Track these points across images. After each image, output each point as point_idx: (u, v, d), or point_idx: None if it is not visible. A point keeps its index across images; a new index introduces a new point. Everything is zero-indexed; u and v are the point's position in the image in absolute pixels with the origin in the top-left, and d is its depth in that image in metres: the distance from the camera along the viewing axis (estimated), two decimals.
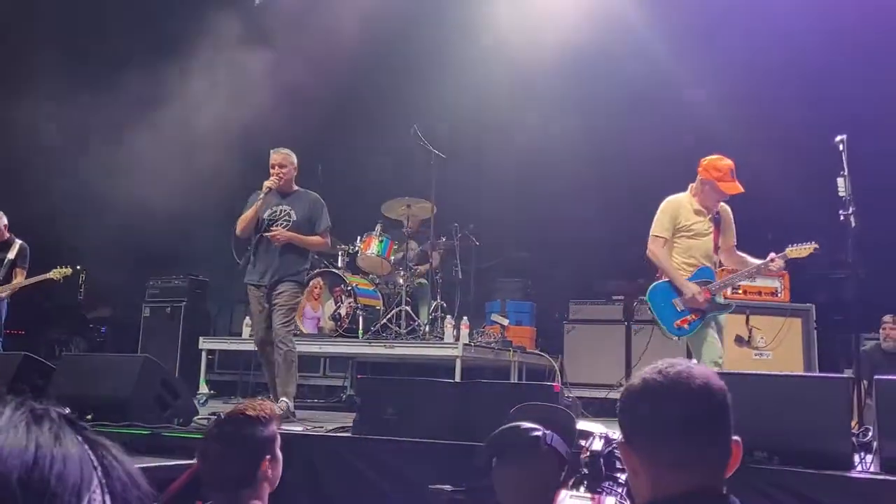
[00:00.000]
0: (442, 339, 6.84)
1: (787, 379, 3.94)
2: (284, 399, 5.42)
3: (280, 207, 5.63)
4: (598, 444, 2.52)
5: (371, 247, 7.37)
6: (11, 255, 7.06)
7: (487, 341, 7.24)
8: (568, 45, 7.85)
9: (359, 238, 7.50)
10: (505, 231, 8.94)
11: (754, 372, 4.31)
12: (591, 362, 7.61)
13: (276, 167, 5.57)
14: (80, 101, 8.24)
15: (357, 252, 7.47)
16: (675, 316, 4.84)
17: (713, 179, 4.87)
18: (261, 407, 2.61)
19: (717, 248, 5.04)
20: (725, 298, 5.10)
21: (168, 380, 4.76)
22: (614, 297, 7.90)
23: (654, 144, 7.85)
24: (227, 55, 8.32)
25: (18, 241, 7.18)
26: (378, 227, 7.47)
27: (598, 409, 6.73)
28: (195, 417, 4.79)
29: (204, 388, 7.06)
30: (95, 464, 0.70)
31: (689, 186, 5.09)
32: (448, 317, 7.05)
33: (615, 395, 7.08)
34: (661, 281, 4.95)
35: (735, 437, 1.43)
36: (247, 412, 2.54)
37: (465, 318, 6.95)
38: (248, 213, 5.58)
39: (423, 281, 7.62)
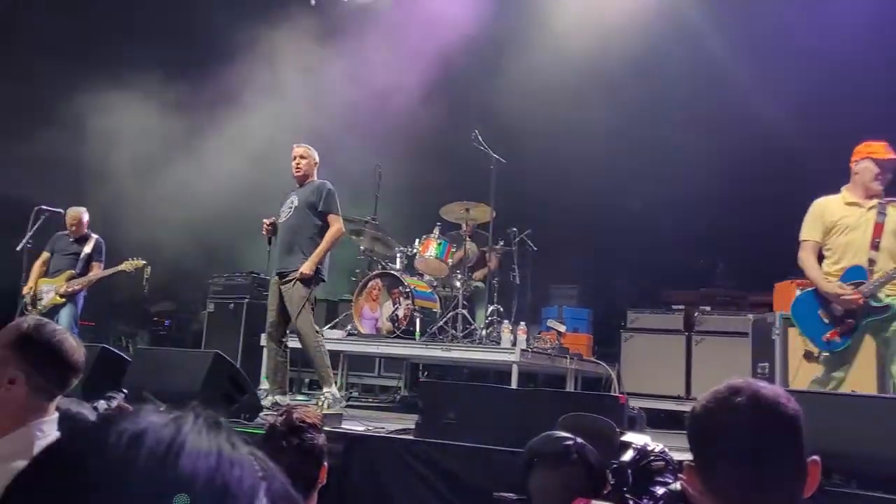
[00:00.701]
0: (498, 343, 6.85)
1: (868, 400, 3.81)
2: (329, 391, 5.65)
3: (291, 197, 5.98)
4: (628, 456, 2.52)
5: (429, 249, 7.43)
6: (88, 248, 7.33)
7: (544, 348, 7.22)
8: (630, 49, 7.80)
9: (417, 240, 7.57)
10: (563, 237, 8.90)
11: (832, 391, 4.17)
12: (649, 372, 7.52)
13: (297, 158, 5.98)
14: (157, 103, 8.51)
15: (415, 254, 7.54)
16: (823, 329, 4.37)
17: (866, 155, 4.49)
18: (314, 414, 2.64)
19: (876, 245, 4.42)
20: (888, 297, 4.35)
21: (235, 376, 4.88)
22: (674, 307, 7.80)
23: (721, 152, 7.73)
24: (291, 61, 8.48)
25: (94, 236, 7.46)
26: (436, 230, 7.53)
27: (655, 421, 6.66)
28: (261, 413, 4.91)
29: (265, 384, 7.19)
30: (259, 472, 0.74)
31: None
32: (505, 321, 7.06)
33: (673, 406, 7.04)
34: (804, 291, 4.56)
35: (813, 458, 1.39)
36: (307, 420, 2.58)
37: (522, 323, 6.95)
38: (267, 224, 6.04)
39: (481, 285, 7.65)
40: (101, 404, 2.81)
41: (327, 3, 9.57)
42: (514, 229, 7.64)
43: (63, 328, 2.18)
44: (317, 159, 6.07)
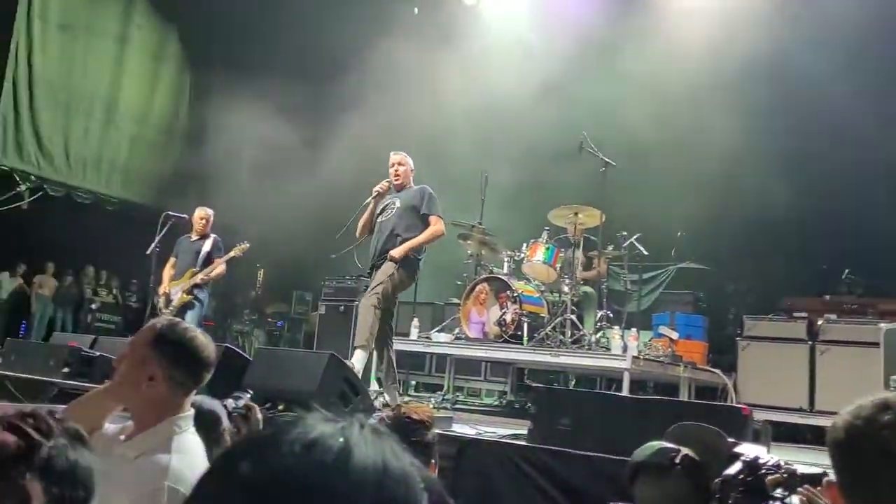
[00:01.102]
0: (608, 349, 6.72)
1: None
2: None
3: (390, 201, 6.00)
4: (735, 469, 2.39)
5: (537, 254, 7.38)
6: (207, 247, 7.70)
7: (655, 355, 7.03)
8: (743, 51, 7.51)
9: (525, 245, 7.54)
10: (674, 241, 8.66)
11: None
12: (768, 383, 7.17)
13: (395, 165, 6.05)
14: (273, 111, 8.86)
15: (523, 259, 7.50)
16: None
17: None
18: (423, 410, 2.64)
19: None
20: None
21: (349, 376, 4.99)
22: (796, 314, 7.42)
23: (842, 151, 7.35)
24: (402, 67, 8.63)
25: (213, 236, 7.83)
26: (545, 235, 7.48)
27: (775, 433, 6.35)
28: (374, 414, 4.99)
29: (374, 385, 7.34)
30: (421, 483, 0.75)
31: None
32: (615, 328, 6.92)
33: (797, 418, 6.69)
34: None
35: None
36: (414, 416, 2.59)
37: (633, 329, 6.80)
38: (364, 217, 6.07)
39: (590, 290, 7.53)
40: (230, 402, 2.92)
41: (433, 8, 9.70)
42: (625, 233, 7.47)
43: (193, 326, 2.26)
44: (413, 166, 6.13)
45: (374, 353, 6.03)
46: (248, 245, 7.76)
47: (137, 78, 12.01)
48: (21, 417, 1.18)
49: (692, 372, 7.10)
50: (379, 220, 5.99)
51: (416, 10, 10.00)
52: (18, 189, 10.78)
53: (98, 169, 11.77)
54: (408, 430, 2.54)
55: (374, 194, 5.99)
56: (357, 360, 5.52)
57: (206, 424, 2.65)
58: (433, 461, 2.54)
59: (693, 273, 8.79)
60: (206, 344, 2.18)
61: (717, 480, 2.36)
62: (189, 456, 2.05)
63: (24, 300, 12.43)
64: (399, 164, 6.04)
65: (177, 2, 12.21)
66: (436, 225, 5.87)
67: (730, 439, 2.78)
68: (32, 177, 11.08)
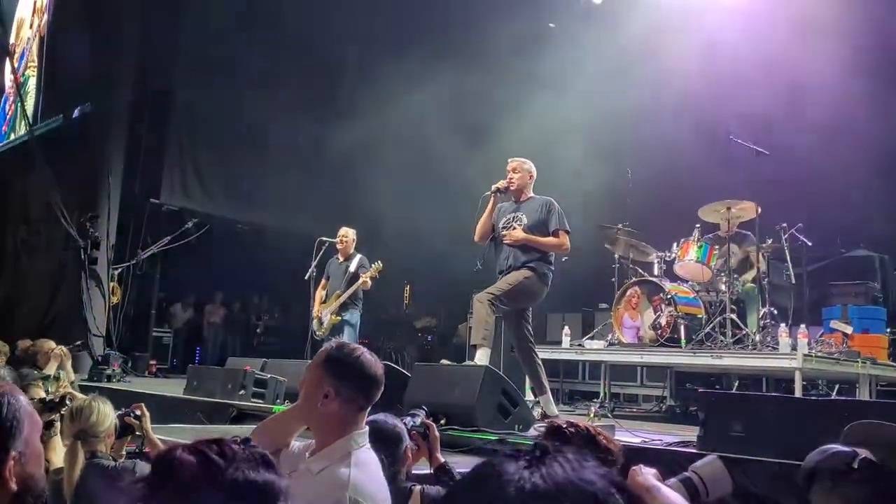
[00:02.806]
0: (775, 348, 6.35)
1: None
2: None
3: (513, 215, 5.70)
4: None
5: (689, 253, 7.12)
6: (353, 267, 7.98)
7: (829, 351, 6.57)
8: None
9: (675, 244, 7.29)
10: (841, 228, 8.07)
11: None
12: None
13: (510, 172, 5.73)
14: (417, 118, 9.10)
15: (674, 259, 7.26)
16: None
17: None
18: (583, 425, 2.55)
19: None
20: None
21: (507, 388, 5.01)
22: None
23: None
24: (548, 69, 8.63)
25: (358, 255, 8.10)
26: (696, 232, 7.20)
27: None
28: (533, 425, 4.99)
29: (529, 395, 7.32)
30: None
31: None
32: (781, 325, 6.53)
33: None
34: None
35: None
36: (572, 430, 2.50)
37: (802, 325, 6.39)
38: (482, 218, 5.77)
39: (751, 286, 7.15)
40: (408, 420, 3.02)
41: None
42: (784, 224, 7.05)
43: (359, 346, 2.35)
44: (533, 172, 5.79)
45: (522, 365, 5.97)
46: (381, 265, 7.93)
47: (286, 113, 12.71)
48: (206, 443, 1.23)
49: (872, 368, 6.58)
50: (502, 231, 5.72)
51: (551, 25, 10.01)
52: (186, 227, 11.67)
53: (256, 201, 12.56)
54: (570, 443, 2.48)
55: (493, 190, 5.70)
56: (480, 360, 5.38)
57: (389, 442, 2.76)
58: None
59: (865, 261, 8.15)
60: (374, 362, 2.28)
61: None
62: (368, 470, 2.16)
63: (197, 328, 13.46)
64: (513, 170, 5.74)
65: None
66: (562, 239, 5.60)
67: None
68: (197, 213, 11.97)
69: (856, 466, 2.17)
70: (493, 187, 5.71)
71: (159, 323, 12.38)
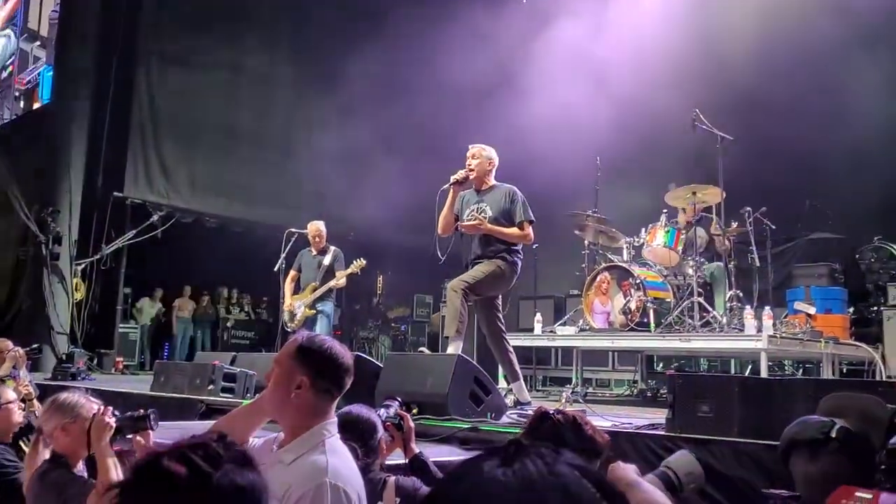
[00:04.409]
0: (741, 330, 6.45)
1: None
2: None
3: (477, 206, 5.60)
4: None
5: (657, 238, 7.19)
6: (327, 261, 7.91)
7: (793, 332, 6.69)
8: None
9: (643, 230, 7.36)
10: (803, 212, 8.22)
11: None
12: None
13: (469, 158, 5.61)
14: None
15: (642, 244, 7.33)
16: None
17: None
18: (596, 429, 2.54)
19: None
20: None
21: (479, 377, 5.02)
22: None
23: None
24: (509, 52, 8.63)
25: (333, 248, 8.04)
26: (663, 218, 7.27)
27: None
28: (506, 412, 5.02)
29: (502, 383, 7.35)
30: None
31: None
32: (747, 307, 6.63)
33: None
34: None
35: None
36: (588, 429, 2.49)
37: (767, 307, 6.49)
38: (444, 211, 5.65)
39: (716, 270, 7.25)
40: (382, 412, 3.02)
41: None
42: (748, 209, 7.15)
43: (329, 337, 2.37)
44: (494, 159, 5.68)
45: (495, 353, 5.97)
46: (364, 262, 7.90)
47: (250, 102, 12.56)
48: (191, 448, 1.22)
49: (835, 347, 6.72)
50: (465, 220, 5.58)
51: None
52: (151, 220, 11.50)
53: (222, 193, 12.40)
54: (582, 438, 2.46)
55: (452, 181, 5.56)
56: (452, 352, 5.32)
57: (363, 433, 2.76)
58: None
59: (826, 243, 8.30)
60: (344, 352, 2.30)
61: (882, 451, 2.21)
62: (343, 456, 2.19)
63: (165, 323, 13.30)
64: (472, 157, 5.61)
65: (280, 24, 12.71)
66: (527, 231, 5.52)
67: (889, 406, 2.60)
68: (163, 207, 11.79)
69: (833, 435, 2.20)
70: (452, 178, 5.58)
71: (125, 319, 12.19)
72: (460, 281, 5.50)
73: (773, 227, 7.29)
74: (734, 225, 7.21)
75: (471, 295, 5.53)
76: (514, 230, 5.51)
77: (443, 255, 5.66)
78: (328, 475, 2.04)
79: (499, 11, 9.69)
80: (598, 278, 7.26)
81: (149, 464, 1.19)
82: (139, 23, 11.66)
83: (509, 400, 5.72)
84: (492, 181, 5.69)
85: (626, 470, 1.94)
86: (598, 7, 9.25)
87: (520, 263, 5.67)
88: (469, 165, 5.60)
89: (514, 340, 8.17)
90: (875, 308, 7.47)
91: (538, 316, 7.88)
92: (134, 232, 11.15)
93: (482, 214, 5.53)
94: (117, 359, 10.81)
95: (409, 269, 10.86)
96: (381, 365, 5.45)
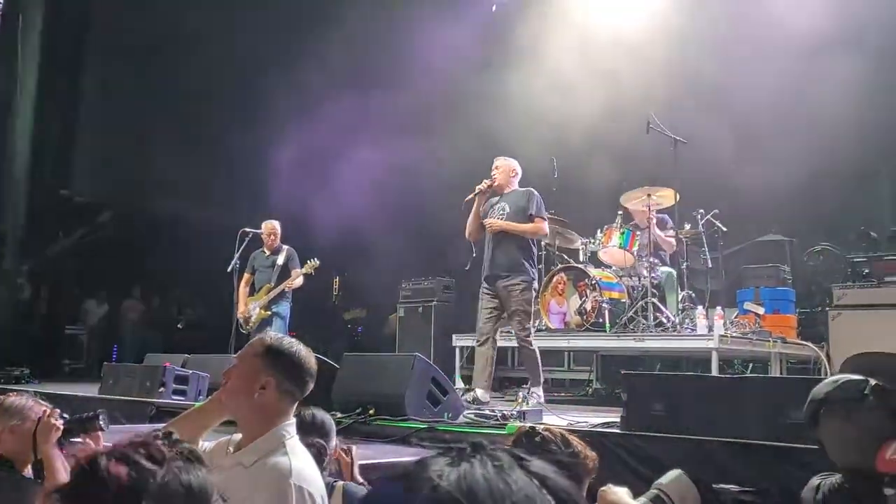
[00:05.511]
0: (694, 330, 6.58)
1: None
2: (536, 391, 5.78)
3: (497, 206, 6.10)
4: None
5: (613, 239, 7.28)
6: (281, 260, 7.83)
7: (743, 332, 6.84)
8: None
9: (599, 231, 7.44)
10: (754, 214, 8.40)
11: None
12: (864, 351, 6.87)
13: (494, 169, 6.16)
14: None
15: (598, 246, 7.41)
16: None
17: None
18: (556, 431, 2.52)
19: None
20: None
21: (436, 377, 5.03)
22: (888, 279, 7.09)
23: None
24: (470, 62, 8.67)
25: (286, 247, 7.96)
26: (618, 219, 7.37)
27: None
28: (464, 412, 5.02)
29: (459, 384, 7.37)
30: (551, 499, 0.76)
31: None
32: (699, 307, 6.77)
33: None
34: None
35: None
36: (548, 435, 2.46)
37: (718, 307, 6.63)
38: (470, 218, 6.15)
39: (669, 271, 7.37)
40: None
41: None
42: (701, 210, 7.29)
43: (295, 340, 2.34)
44: (517, 170, 6.20)
45: (478, 353, 6.14)
46: (318, 262, 7.85)
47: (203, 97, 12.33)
48: (133, 447, 1.19)
49: (782, 347, 6.89)
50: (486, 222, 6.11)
51: (493, 7, 10.09)
52: (100, 219, 11.23)
53: (174, 191, 12.15)
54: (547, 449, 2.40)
55: (476, 192, 6.07)
56: (482, 397, 5.84)
57: (323, 435, 2.78)
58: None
59: (775, 245, 8.51)
60: (308, 355, 2.29)
61: None
62: (305, 457, 2.18)
63: (114, 325, 12.96)
64: (496, 168, 6.16)
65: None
66: (539, 225, 6.05)
67: None
68: (111, 204, 11.52)
69: (867, 393, 2.20)
70: (476, 188, 6.04)
71: (72, 321, 11.85)
72: (523, 330, 5.90)
73: (725, 229, 7.43)
74: (687, 227, 7.34)
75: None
76: (528, 225, 5.99)
77: (468, 265, 6.30)
78: (292, 476, 2.03)
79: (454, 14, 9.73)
80: (554, 279, 7.32)
81: (89, 466, 1.16)
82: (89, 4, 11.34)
83: (470, 396, 5.79)
84: (514, 186, 6.20)
85: (618, 494, 1.91)
86: (556, 4, 9.34)
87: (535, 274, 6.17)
88: (493, 175, 6.14)
89: (469, 342, 8.23)
90: (820, 308, 7.66)
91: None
92: (82, 231, 10.86)
93: (501, 213, 6.03)
94: (64, 361, 10.52)
95: (367, 270, 10.78)
96: (338, 366, 5.40)
